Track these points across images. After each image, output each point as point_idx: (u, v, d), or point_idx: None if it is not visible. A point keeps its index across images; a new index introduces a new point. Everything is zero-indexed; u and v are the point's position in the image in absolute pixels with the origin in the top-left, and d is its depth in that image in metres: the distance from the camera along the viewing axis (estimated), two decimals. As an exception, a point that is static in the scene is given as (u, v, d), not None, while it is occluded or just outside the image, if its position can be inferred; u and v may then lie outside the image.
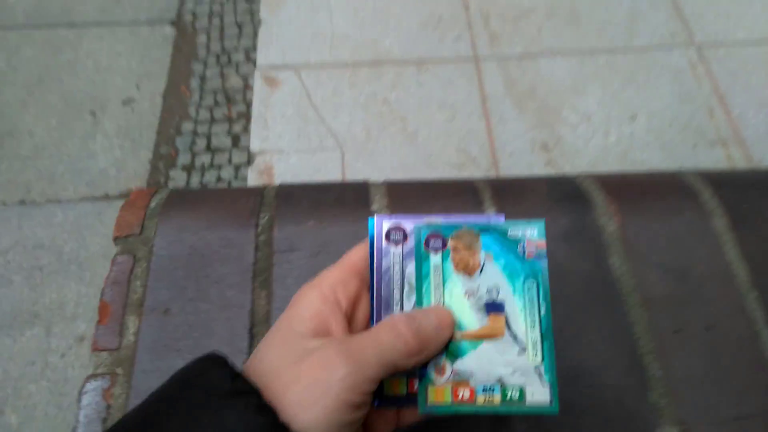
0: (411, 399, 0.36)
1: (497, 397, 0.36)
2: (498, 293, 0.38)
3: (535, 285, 0.38)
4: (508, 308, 0.37)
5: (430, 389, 0.36)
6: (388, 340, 0.33)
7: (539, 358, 0.37)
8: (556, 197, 0.57)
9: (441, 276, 0.38)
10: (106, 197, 2.13)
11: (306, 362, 0.32)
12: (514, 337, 0.37)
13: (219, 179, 2.17)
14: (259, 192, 0.58)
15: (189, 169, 2.21)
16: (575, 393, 0.47)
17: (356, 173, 0.90)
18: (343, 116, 0.96)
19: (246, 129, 2.27)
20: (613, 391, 0.47)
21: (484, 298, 0.37)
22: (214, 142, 2.31)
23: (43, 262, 1.98)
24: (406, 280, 0.37)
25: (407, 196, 0.57)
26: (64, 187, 2.16)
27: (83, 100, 2.37)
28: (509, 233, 0.38)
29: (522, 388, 0.36)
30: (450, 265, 0.38)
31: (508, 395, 0.36)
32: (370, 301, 0.38)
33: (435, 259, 0.38)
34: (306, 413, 0.30)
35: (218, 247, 0.53)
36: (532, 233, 0.38)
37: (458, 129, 0.95)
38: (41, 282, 1.95)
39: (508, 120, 0.92)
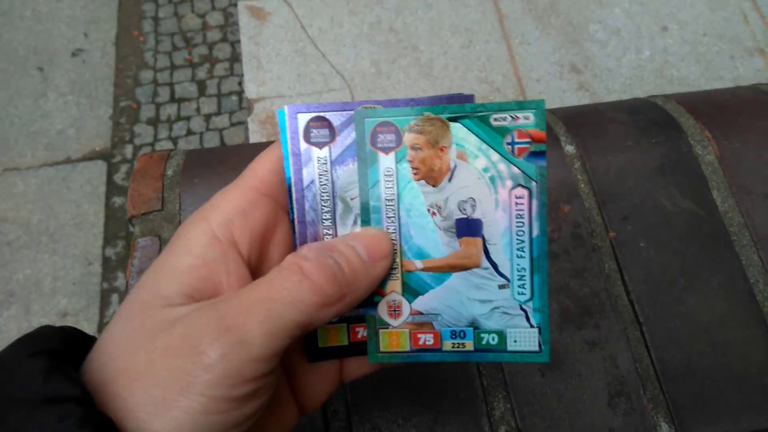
0: (356, 348, 0.29)
1: (469, 343, 0.28)
2: (473, 208, 0.27)
3: (527, 194, 0.27)
4: (487, 229, 0.27)
5: (383, 334, 0.28)
6: (289, 291, 0.23)
7: (527, 294, 0.28)
8: (642, 125, 0.49)
9: (395, 186, 0.27)
10: (69, 160, 2.00)
11: (162, 341, 0.22)
12: (494, 267, 0.28)
13: (189, 132, 2.05)
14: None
15: (155, 122, 2.08)
16: (696, 354, 0.41)
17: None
18: (346, 50, 0.85)
19: (211, 73, 2.12)
20: (737, 347, 0.42)
21: (455, 215, 0.27)
22: (178, 90, 2.16)
23: (11, 236, 1.87)
24: (337, 196, 0.28)
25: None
26: (20, 154, 2.01)
27: (27, 55, 2.18)
28: (492, 120, 0.26)
29: (502, 332, 0.28)
30: (407, 170, 0.27)
31: (484, 340, 0.28)
32: (292, 231, 0.28)
33: (386, 161, 0.27)
34: (159, 421, 0.20)
35: (258, 217, 0.44)
36: (526, 120, 0.26)
37: (477, 55, 0.86)
38: (12, 258, 1.85)
39: (531, 41, 0.83)
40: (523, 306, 0.28)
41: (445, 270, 0.28)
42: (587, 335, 0.42)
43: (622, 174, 0.48)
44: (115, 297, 1.63)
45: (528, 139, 0.27)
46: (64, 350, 0.22)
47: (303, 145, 0.27)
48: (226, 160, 0.48)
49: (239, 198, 0.27)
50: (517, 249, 0.27)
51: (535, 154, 0.27)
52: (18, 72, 2.17)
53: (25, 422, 0.19)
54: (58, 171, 1.97)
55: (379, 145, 0.27)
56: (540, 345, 0.28)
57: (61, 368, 0.21)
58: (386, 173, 0.27)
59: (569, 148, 0.49)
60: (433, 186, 0.27)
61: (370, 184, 0.27)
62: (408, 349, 0.28)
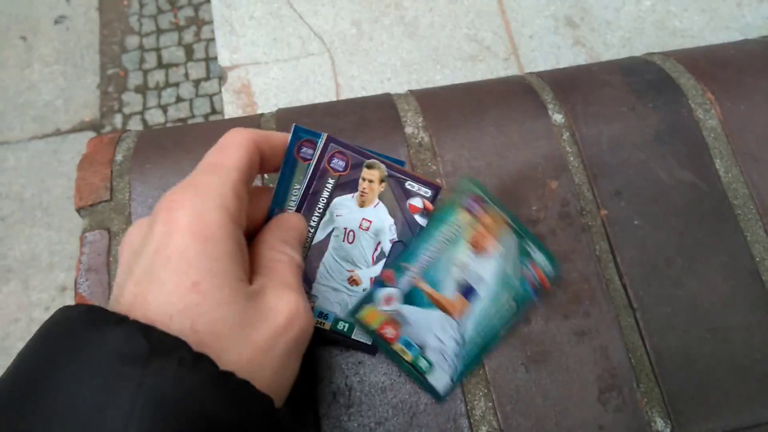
0: None
1: (409, 356, 0.37)
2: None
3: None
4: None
5: (368, 308, 0.36)
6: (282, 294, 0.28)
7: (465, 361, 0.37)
8: (638, 88, 0.45)
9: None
10: (59, 132, 1.96)
11: (258, 314, 0.27)
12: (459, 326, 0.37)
13: (179, 99, 1.99)
14: (255, 122, 0.45)
15: (143, 90, 2.03)
16: (694, 341, 0.38)
17: (351, 80, 0.75)
18: (324, 10, 0.80)
19: (198, 35, 2.05)
20: (739, 332, 0.38)
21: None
22: (166, 56, 2.10)
23: (5, 212, 1.85)
24: (329, 210, 0.37)
25: (447, 108, 0.44)
26: (9, 127, 1.97)
27: (8, 24, 2.11)
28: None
29: (431, 365, 0.37)
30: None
31: (419, 363, 0.37)
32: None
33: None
34: (265, 367, 0.26)
35: (216, 205, 0.40)
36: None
37: (465, 11, 0.80)
38: (7, 234, 1.83)
39: (523, -6, 0.77)
40: (455, 365, 0.37)
41: (438, 304, 0.38)
42: (576, 325, 0.38)
43: (615, 144, 0.43)
44: (112, 269, 1.61)
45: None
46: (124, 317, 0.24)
47: (325, 166, 0.36)
48: (182, 142, 0.44)
49: (237, 174, 0.29)
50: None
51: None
52: (1, 43, 2.10)
53: (146, 374, 0.22)
54: (48, 143, 1.93)
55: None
56: (444, 394, 0.37)
57: (150, 327, 0.23)
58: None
59: (557, 117, 0.44)
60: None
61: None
62: (374, 328, 0.36)
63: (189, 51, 2.11)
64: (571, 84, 0.46)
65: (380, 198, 0.37)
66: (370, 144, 0.43)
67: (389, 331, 0.37)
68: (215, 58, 2.00)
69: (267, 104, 0.79)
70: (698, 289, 0.40)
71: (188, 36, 2.12)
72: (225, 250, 0.26)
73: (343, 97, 0.78)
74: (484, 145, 0.43)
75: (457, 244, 0.38)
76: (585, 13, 0.78)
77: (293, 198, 0.36)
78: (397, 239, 0.37)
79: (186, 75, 2.07)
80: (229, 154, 0.29)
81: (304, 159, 0.36)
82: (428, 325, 0.37)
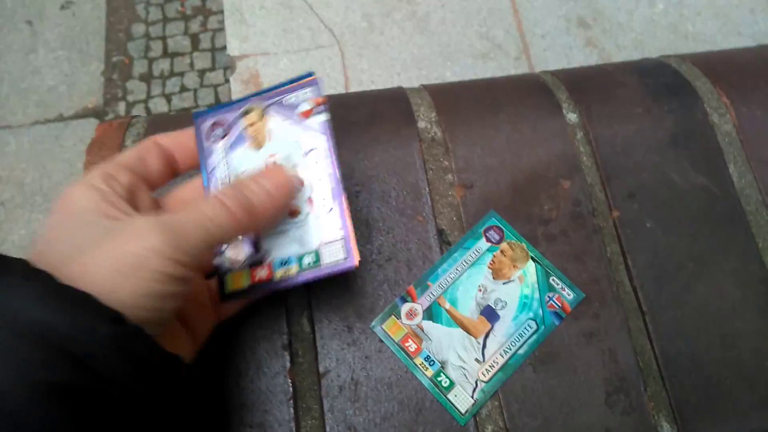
0: (256, 288, 0.34)
1: (431, 372, 0.37)
2: None
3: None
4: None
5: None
6: (212, 214, 0.30)
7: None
8: (653, 89, 0.44)
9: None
10: (61, 118, 1.95)
11: (113, 238, 0.28)
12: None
13: (183, 88, 1.98)
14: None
15: (147, 78, 2.02)
16: (703, 346, 0.38)
17: (361, 73, 0.75)
18: (336, 2, 0.79)
19: (205, 26, 2.05)
20: (748, 339, 0.38)
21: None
22: (171, 45, 2.09)
23: (5, 196, 1.84)
24: (232, 173, 0.36)
25: (461, 104, 0.44)
26: (11, 111, 1.96)
27: (15, 8, 2.10)
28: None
29: (452, 384, 0.37)
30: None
31: (440, 380, 0.37)
32: None
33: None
34: (117, 284, 0.26)
35: (225, 194, 0.40)
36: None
37: (478, 9, 0.80)
38: (6, 218, 1.82)
39: (536, -7, 0.76)
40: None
41: (459, 323, 0.38)
42: (585, 326, 0.38)
43: (629, 146, 0.43)
44: None
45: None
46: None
47: (206, 143, 0.36)
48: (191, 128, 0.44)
49: (105, 167, 0.32)
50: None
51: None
52: (6, 26, 2.09)
53: None
54: (50, 129, 1.92)
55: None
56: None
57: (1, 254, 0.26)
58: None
59: (571, 116, 0.44)
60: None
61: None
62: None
63: (195, 41, 2.10)
64: (586, 83, 0.46)
65: (270, 131, 0.36)
66: (382, 136, 0.42)
67: (411, 345, 0.37)
68: (221, 49, 1.99)
69: (275, 95, 0.78)
70: (708, 294, 0.39)
71: (195, 26, 2.11)
72: (80, 208, 0.30)
73: (352, 90, 0.77)
74: (497, 142, 0.43)
75: (479, 269, 0.39)
76: (598, 15, 0.77)
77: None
78: (311, 148, 0.36)
79: (191, 65, 2.06)
80: (122, 154, 0.34)
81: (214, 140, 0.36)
82: (450, 343, 0.38)
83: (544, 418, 0.36)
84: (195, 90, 1.97)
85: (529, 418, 0.36)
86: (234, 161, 0.36)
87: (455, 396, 0.37)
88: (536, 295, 0.39)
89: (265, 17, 0.78)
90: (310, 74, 0.36)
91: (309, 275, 0.34)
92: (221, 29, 2.03)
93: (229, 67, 0.75)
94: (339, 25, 0.79)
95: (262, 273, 0.34)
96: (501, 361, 0.37)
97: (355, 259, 0.34)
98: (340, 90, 0.75)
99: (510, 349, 0.38)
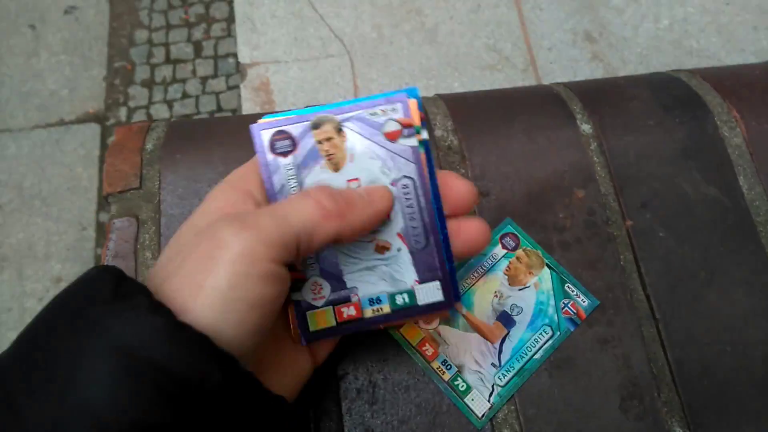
0: (343, 327, 0.32)
1: (447, 376, 0.37)
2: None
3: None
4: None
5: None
6: (296, 203, 0.28)
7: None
8: (665, 103, 0.46)
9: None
10: (62, 122, 1.95)
11: (194, 245, 0.27)
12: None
13: (185, 95, 1.99)
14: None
15: (149, 84, 2.02)
16: (715, 352, 0.39)
17: (370, 83, 0.76)
18: (346, 12, 0.81)
19: (208, 33, 2.06)
20: (759, 347, 0.39)
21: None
22: (174, 51, 2.10)
23: (3, 200, 1.84)
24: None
25: (476, 113, 0.45)
26: (12, 115, 1.96)
27: (18, 12, 2.11)
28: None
29: (469, 388, 0.37)
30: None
31: (456, 384, 0.37)
32: None
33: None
34: (196, 298, 0.25)
35: (245, 197, 0.41)
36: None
37: (486, 22, 0.81)
38: (4, 222, 1.82)
39: (544, 6, 0.78)
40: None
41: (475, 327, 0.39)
42: (599, 332, 0.39)
43: (642, 157, 0.44)
44: (140, 257, 1.59)
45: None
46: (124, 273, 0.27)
47: (270, 156, 0.31)
48: (212, 134, 0.44)
49: (251, 167, 0.32)
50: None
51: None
52: (9, 29, 2.10)
53: (104, 312, 0.24)
54: (50, 133, 1.92)
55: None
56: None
57: (126, 277, 0.26)
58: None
59: (585, 127, 0.45)
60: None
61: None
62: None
63: (198, 48, 2.11)
64: (599, 95, 0.47)
65: (351, 150, 0.32)
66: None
67: (428, 349, 0.38)
68: (224, 56, 2.00)
69: (285, 103, 0.79)
70: (719, 303, 0.40)
71: (198, 33, 2.12)
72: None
73: (361, 99, 0.79)
74: (512, 151, 0.44)
75: (495, 275, 0.40)
76: (603, 29, 0.79)
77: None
78: (401, 176, 0.32)
79: (193, 72, 2.07)
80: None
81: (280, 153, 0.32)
82: (466, 348, 0.38)
83: (560, 423, 0.37)
84: (197, 97, 1.98)
85: (545, 423, 0.37)
86: (308, 183, 0.32)
87: (472, 400, 0.37)
88: (551, 302, 0.39)
89: (277, 26, 0.79)
90: (413, 91, 0.32)
91: (403, 316, 0.32)
92: (224, 37, 2.05)
93: (237, 74, 0.76)
94: (349, 35, 0.81)
95: (350, 311, 0.32)
96: (517, 366, 0.38)
97: (455, 301, 0.32)
98: (349, 99, 0.76)
99: (526, 355, 0.38)
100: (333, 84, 0.78)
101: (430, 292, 0.32)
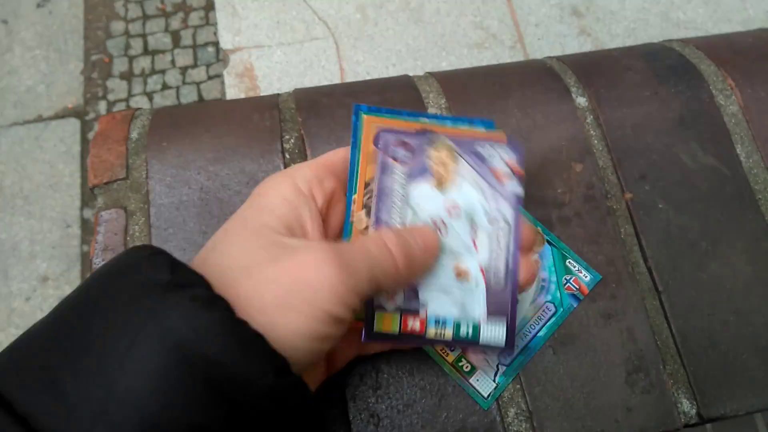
0: (404, 338, 0.32)
1: (451, 357, 0.37)
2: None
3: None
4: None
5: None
6: (378, 255, 0.29)
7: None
8: (660, 73, 0.45)
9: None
10: (40, 119, 1.92)
11: (288, 261, 0.27)
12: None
13: (165, 86, 1.96)
14: (273, 103, 0.44)
15: (128, 76, 1.99)
16: (719, 324, 0.39)
17: (356, 65, 0.75)
18: (329, -6, 0.79)
19: (185, 22, 2.02)
20: (762, 315, 0.39)
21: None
22: (152, 42, 2.06)
23: (-17, 199, 1.80)
24: (410, 207, 0.33)
25: (469, 90, 0.44)
26: (-12, 112, 1.91)
27: (-12, 7, 2.05)
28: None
29: (473, 369, 0.37)
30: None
31: (461, 365, 0.37)
32: (346, 210, 0.33)
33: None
34: (283, 317, 0.25)
35: (236, 184, 0.40)
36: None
37: (471, -1, 0.80)
38: (-14, 222, 1.78)
39: (529, -18, 0.77)
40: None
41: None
42: (603, 307, 0.39)
43: (638, 128, 0.43)
44: (90, 259, 1.57)
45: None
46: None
47: (389, 160, 0.33)
48: (198, 120, 0.43)
49: (315, 169, 0.32)
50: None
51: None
52: (-20, 26, 2.05)
53: (159, 303, 0.23)
54: (29, 130, 1.89)
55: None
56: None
57: (180, 262, 0.25)
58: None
59: (581, 100, 0.44)
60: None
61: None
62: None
63: (176, 38, 2.07)
64: (593, 68, 0.46)
65: (458, 176, 0.33)
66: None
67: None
68: (203, 45, 1.97)
69: (270, 88, 0.78)
70: (721, 272, 0.40)
71: (175, 22, 2.08)
72: (268, 216, 0.29)
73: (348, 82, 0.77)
74: (508, 128, 0.43)
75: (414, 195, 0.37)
76: (590, 3, 0.78)
77: (366, 196, 0.33)
78: (501, 217, 0.33)
79: (172, 62, 2.03)
80: (333, 153, 0.34)
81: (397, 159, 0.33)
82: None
83: (566, 400, 0.37)
84: (177, 87, 1.94)
85: (551, 400, 0.37)
86: (414, 194, 0.33)
87: (477, 380, 0.37)
88: (553, 278, 0.39)
89: (258, 10, 0.77)
90: (490, 124, 0.34)
91: (462, 345, 0.34)
92: (203, 25, 2.01)
93: (220, 62, 0.74)
94: (333, 17, 0.79)
95: (415, 324, 0.32)
96: (521, 344, 0.38)
97: (514, 347, 0.34)
98: (335, 82, 0.75)
99: (530, 332, 0.38)
100: (318, 67, 0.77)
101: (494, 333, 0.32)
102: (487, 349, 0.34)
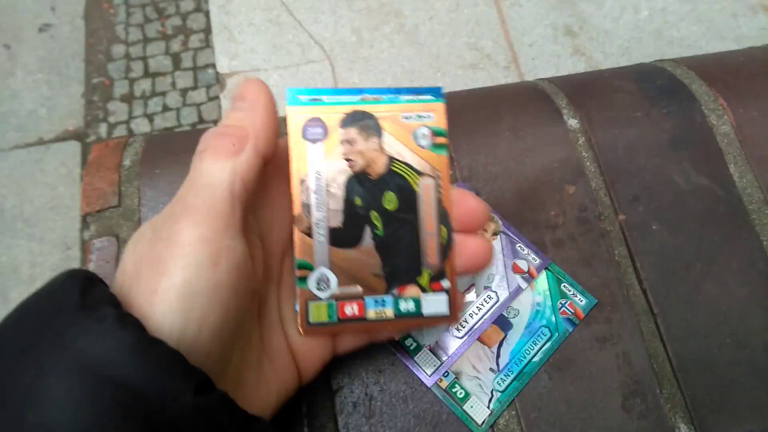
0: (342, 325, 0.31)
1: (444, 383, 0.36)
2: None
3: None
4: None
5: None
6: (200, 164, 0.28)
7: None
8: (651, 93, 0.45)
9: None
10: (42, 142, 1.93)
11: (150, 245, 0.26)
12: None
13: (165, 108, 1.97)
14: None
15: (129, 99, 2.00)
16: (715, 346, 0.38)
17: (351, 87, 0.75)
18: (324, 17, 0.80)
19: (186, 45, 2.04)
20: (758, 337, 0.39)
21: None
22: (152, 65, 2.08)
23: (-16, 223, 1.80)
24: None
25: (462, 113, 0.44)
26: (-11, 136, 1.93)
27: (-8, 32, 2.08)
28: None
29: (468, 395, 0.37)
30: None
31: (454, 392, 0.36)
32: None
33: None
34: (153, 304, 0.24)
35: (229, 210, 0.40)
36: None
37: (466, 20, 0.80)
38: (-13, 245, 1.78)
39: (522, 2, 0.77)
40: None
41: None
42: (597, 331, 0.38)
43: (631, 149, 0.43)
44: None
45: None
46: (94, 275, 0.25)
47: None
48: (191, 146, 0.43)
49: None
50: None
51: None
52: (-18, 50, 2.07)
53: (68, 325, 0.22)
54: (30, 153, 1.90)
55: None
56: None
57: (94, 283, 0.24)
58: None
59: (572, 122, 0.44)
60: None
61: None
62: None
63: (176, 60, 2.09)
64: (584, 89, 0.46)
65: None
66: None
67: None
68: (203, 67, 1.99)
69: (266, 111, 0.78)
70: (717, 294, 0.40)
71: (176, 45, 2.10)
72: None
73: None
74: (500, 150, 0.43)
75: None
76: (584, 23, 0.79)
77: (304, 195, 0.31)
78: (491, 289, 0.37)
79: (173, 84, 2.05)
80: (259, 120, 0.29)
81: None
82: (463, 353, 0.37)
83: (563, 426, 0.36)
84: (177, 109, 1.96)
85: (548, 426, 0.36)
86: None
87: (471, 407, 0.36)
88: (548, 302, 0.39)
89: (254, 34, 0.78)
90: (437, 91, 0.32)
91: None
92: (203, 48, 2.03)
93: (217, 84, 0.75)
94: (328, 40, 0.80)
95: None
96: (516, 369, 0.37)
97: (457, 317, 0.32)
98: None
99: (525, 358, 0.38)
100: (314, 90, 0.77)
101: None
102: (435, 322, 0.32)
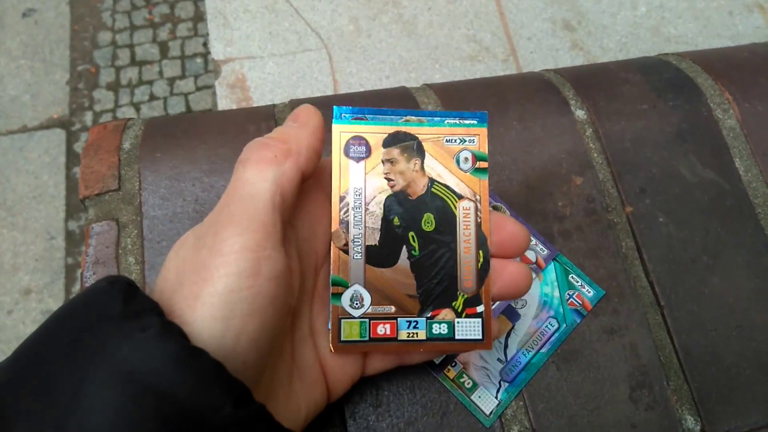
0: (373, 344, 0.31)
1: (452, 373, 0.36)
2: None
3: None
4: None
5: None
6: (241, 172, 0.27)
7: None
8: (658, 86, 0.45)
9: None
10: (25, 129, 1.89)
11: (194, 252, 0.26)
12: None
13: (152, 97, 1.94)
14: (269, 114, 0.43)
15: (115, 87, 1.97)
16: (721, 339, 0.38)
17: (349, 77, 0.74)
18: (321, 5, 0.79)
19: (174, 33, 2.01)
20: (765, 330, 0.39)
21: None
22: (139, 53, 2.05)
23: (-33, 211, 1.77)
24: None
25: (468, 102, 0.44)
26: (-28, 123, 1.89)
27: (-28, 17, 2.04)
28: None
29: (475, 385, 0.36)
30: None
31: (462, 381, 0.36)
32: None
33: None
34: (195, 310, 0.24)
35: (233, 196, 0.39)
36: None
37: (464, 12, 0.80)
38: (-31, 234, 1.74)
39: (521, -4, 0.77)
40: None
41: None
42: (605, 322, 0.38)
43: (638, 141, 0.43)
44: (122, 262, 1.55)
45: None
46: (134, 282, 0.25)
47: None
48: (193, 131, 0.42)
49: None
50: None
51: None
52: (-36, 35, 2.03)
53: (111, 333, 0.22)
54: (13, 141, 1.86)
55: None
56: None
57: (135, 290, 0.24)
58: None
59: (580, 113, 0.44)
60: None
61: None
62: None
63: (164, 48, 2.06)
64: (591, 81, 0.46)
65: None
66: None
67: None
68: (191, 56, 1.97)
69: (263, 99, 0.77)
70: (723, 287, 0.40)
71: (163, 33, 2.08)
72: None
73: (341, 93, 0.77)
74: (508, 140, 0.43)
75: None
76: (582, 17, 0.79)
77: (343, 211, 0.31)
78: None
79: (160, 73, 2.02)
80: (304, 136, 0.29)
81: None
82: None
83: (570, 417, 0.36)
84: (165, 98, 1.93)
85: (555, 417, 0.36)
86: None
87: (479, 397, 0.36)
88: (556, 293, 0.38)
89: (250, 21, 0.77)
90: (483, 117, 0.32)
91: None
92: (191, 36, 2.00)
93: (213, 72, 0.73)
94: (326, 28, 0.79)
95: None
96: (524, 360, 0.37)
97: (491, 343, 0.31)
98: (329, 94, 0.74)
99: (532, 348, 0.37)
100: (311, 79, 0.76)
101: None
102: (467, 348, 0.32)
